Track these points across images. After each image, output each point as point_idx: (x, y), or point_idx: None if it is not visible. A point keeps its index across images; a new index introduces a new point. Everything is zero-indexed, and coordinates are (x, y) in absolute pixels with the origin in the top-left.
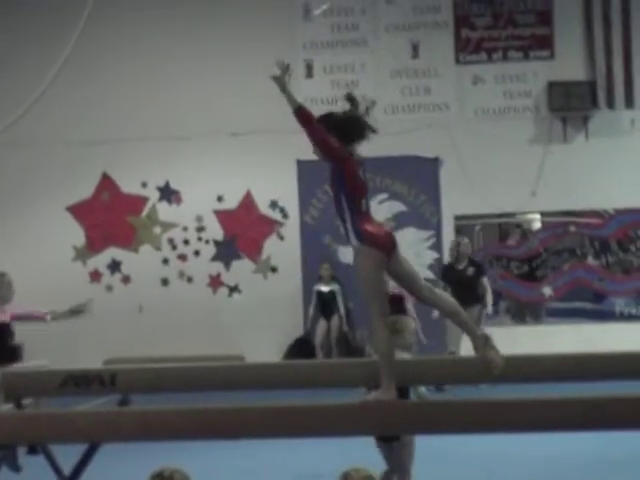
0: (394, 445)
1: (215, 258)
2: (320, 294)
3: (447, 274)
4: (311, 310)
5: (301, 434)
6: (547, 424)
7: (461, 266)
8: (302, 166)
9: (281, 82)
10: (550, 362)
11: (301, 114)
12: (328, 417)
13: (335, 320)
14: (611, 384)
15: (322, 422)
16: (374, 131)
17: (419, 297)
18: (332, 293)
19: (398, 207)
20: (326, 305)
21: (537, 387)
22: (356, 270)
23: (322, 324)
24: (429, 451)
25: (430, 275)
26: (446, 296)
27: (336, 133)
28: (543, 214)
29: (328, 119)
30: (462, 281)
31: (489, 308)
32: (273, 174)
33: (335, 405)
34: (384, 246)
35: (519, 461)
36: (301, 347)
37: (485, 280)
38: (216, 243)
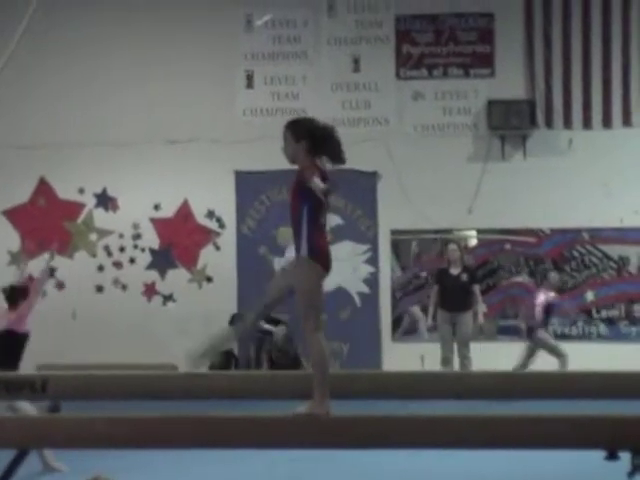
0: None
1: (150, 266)
2: None
3: (441, 277)
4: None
5: (230, 446)
6: (476, 442)
7: (455, 271)
8: (240, 176)
9: None
10: (477, 380)
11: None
12: (258, 429)
13: (279, 330)
14: (537, 404)
15: (252, 434)
16: (343, 162)
17: (302, 325)
18: None
19: (335, 220)
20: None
21: (467, 404)
22: (298, 281)
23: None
24: (360, 466)
25: (365, 289)
26: (322, 347)
27: (310, 140)
28: (479, 231)
29: (309, 123)
30: (455, 286)
31: (480, 318)
32: (210, 184)
33: (265, 417)
34: (326, 265)
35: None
36: (226, 359)
37: (477, 288)
38: (152, 251)
